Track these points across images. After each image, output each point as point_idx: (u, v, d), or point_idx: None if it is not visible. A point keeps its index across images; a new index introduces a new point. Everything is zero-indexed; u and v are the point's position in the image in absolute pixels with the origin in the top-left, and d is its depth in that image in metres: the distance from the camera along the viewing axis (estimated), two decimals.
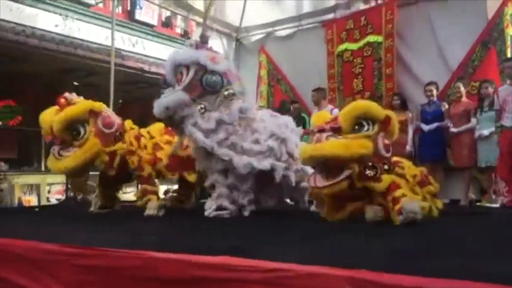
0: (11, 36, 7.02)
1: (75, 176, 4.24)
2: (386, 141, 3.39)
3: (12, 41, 7.06)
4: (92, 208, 4.62)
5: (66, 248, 2.25)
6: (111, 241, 2.39)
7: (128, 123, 4.45)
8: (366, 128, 3.28)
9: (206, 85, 3.87)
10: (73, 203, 7.62)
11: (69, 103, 3.99)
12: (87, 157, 3.91)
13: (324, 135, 3.29)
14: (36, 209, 6.25)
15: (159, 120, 4.14)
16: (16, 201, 9.00)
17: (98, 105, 4.16)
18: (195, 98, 3.85)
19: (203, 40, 4.15)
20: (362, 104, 3.45)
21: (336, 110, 5.32)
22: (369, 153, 3.20)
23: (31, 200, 9.39)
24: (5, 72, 8.30)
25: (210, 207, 3.94)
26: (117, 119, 4.27)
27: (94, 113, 4.04)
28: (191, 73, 3.84)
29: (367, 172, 3.22)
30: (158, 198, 4.39)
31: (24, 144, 9.71)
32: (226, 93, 3.94)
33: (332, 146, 3.20)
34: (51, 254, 2.26)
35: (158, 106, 3.83)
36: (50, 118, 3.95)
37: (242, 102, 4.02)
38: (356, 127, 3.27)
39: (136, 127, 4.50)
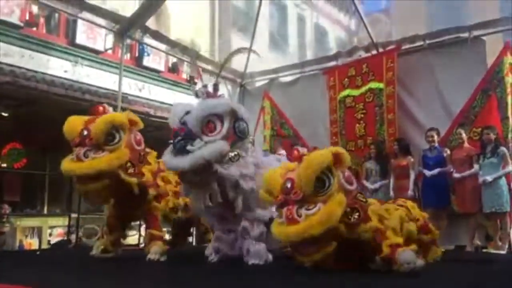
0: (22, 81, 7.21)
1: (91, 181, 3.94)
2: (347, 173, 3.24)
3: (23, 86, 7.24)
4: (94, 252, 4.58)
5: None
6: None
7: (151, 156, 4.47)
8: (327, 183, 3.06)
9: (239, 132, 3.75)
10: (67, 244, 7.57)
11: (105, 112, 4.10)
12: (116, 164, 3.88)
13: (292, 209, 3.02)
14: (37, 253, 6.20)
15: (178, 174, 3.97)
16: (17, 244, 8.94)
17: (136, 118, 4.24)
18: (230, 147, 3.70)
19: (216, 88, 4.14)
20: (316, 161, 3.10)
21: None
22: (345, 205, 3.03)
23: (32, 243, 9.32)
24: (13, 116, 8.45)
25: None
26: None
27: (133, 124, 4.14)
28: (227, 121, 3.67)
29: (352, 219, 3.06)
30: (164, 243, 4.36)
31: (28, 186, 9.73)
32: (251, 139, 4.02)
33: (312, 226, 2.91)
34: None
35: (194, 158, 3.48)
36: (81, 122, 3.99)
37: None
38: (317, 184, 3.03)
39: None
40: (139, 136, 4.28)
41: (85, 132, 3.90)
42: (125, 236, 4.87)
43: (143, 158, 4.22)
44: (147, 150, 4.37)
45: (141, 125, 4.29)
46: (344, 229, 3.04)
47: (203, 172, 3.55)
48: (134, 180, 4.04)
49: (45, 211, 9.90)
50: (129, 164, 4.05)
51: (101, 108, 4.12)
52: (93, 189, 3.98)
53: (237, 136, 3.75)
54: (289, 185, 3.09)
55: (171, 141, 3.69)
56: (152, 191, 4.24)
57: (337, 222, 2.95)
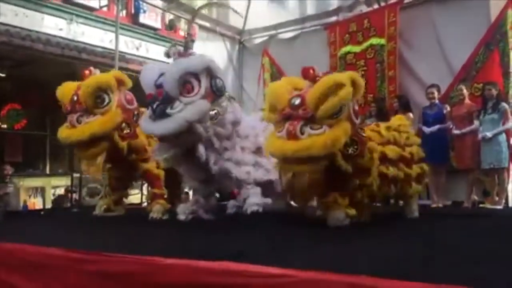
0: (17, 41, 7.08)
1: (89, 146, 3.98)
2: (356, 106, 3.21)
3: (18, 46, 7.12)
4: (97, 211, 4.67)
5: (72, 254, 2.29)
6: (115, 246, 2.42)
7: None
8: (339, 109, 2.99)
9: (217, 90, 3.71)
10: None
11: (92, 75, 4.10)
12: (109, 126, 3.92)
13: (297, 125, 2.94)
14: (42, 213, 6.31)
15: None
16: (21, 204, 9.07)
17: (124, 77, 4.23)
18: (210, 105, 3.67)
19: (186, 46, 3.99)
20: (331, 80, 3.01)
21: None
22: (349, 135, 3.01)
23: (36, 203, 9.46)
24: (10, 76, 8.37)
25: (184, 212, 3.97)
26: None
27: (121, 83, 4.12)
28: (203, 79, 3.62)
29: (349, 151, 3.05)
30: (165, 201, 4.43)
31: (29, 147, 9.77)
32: (227, 95, 3.91)
33: (314, 145, 2.86)
34: (58, 259, 2.29)
35: (176, 121, 3.45)
36: (72, 88, 4.00)
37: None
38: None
39: None
40: (130, 95, 4.25)
41: (75, 98, 3.89)
42: (127, 195, 4.95)
43: (137, 117, 4.20)
44: (141, 109, 4.33)
45: (129, 83, 4.24)
46: (339, 159, 3.02)
47: (184, 133, 3.50)
48: (123, 145, 4.08)
49: (48, 171, 10.00)
50: (124, 124, 4.06)
51: (87, 72, 4.08)
52: (91, 154, 4.01)
53: (215, 94, 3.70)
54: (297, 102, 3.01)
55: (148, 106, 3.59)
56: (146, 154, 4.28)
57: (338, 148, 2.94)
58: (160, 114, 3.47)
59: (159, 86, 3.56)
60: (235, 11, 5.62)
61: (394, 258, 2.13)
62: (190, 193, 5.56)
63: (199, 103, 3.55)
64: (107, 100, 3.97)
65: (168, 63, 4.02)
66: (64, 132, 3.95)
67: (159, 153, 3.71)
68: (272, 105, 3.20)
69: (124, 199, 4.92)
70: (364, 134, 3.27)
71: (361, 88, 3.15)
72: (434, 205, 5.74)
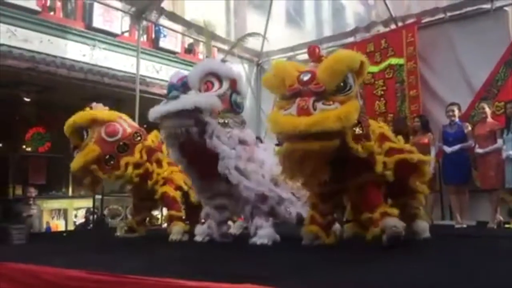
0: (42, 66, 7.30)
1: (82, 177, 4.46)
2: (360, 90, 3.17)
3: (43, 71, 7.34)
4: (118, 233, 4.71)
5: (93, 276, 2.30)
6: (137, 268, 2.44)
7: (152, 136, 4.59)
8: (349, 85, 2.92)
9: (234, 103, 3.74)
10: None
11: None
12: (85, 160, 4.19)
13: (309, 100, 2.82)
14: (64, 234, 6.39)
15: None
16: (44, 226, 9.21)
17: (106, 114, 4.45)
18: (221, 111, 3.66)
19: (224, 60, 4.12)
20: (345, 56, 2.96)
21: None
22: (358, 113, 2.92)
23: (59, 224, 9.60)
24: (35, 101, 8.60)
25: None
26: (126, 129, 4.41)
27: (97, 122, 4.33)
28: (225, 85, 3.68)
29: (356, 130, 2.94)
30: (184, 223, 4.45)
31: (53, 169, 9.96)
32: (242, 118, 3.92)
33: (329, 118, 2.74)
34: (80, 281, 2.31)
35: (183, 103, 3.42)
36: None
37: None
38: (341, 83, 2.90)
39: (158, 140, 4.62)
40: (112, 127, 4.36)
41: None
42: (151, 217, 5.00)
43: (124, 147, 4.34)
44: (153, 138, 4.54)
45: (114, 118, 4.44)
46: (350, 139, 2.91)
47: (189, 117, 3.45)
48: (112, 176, 4.34)
49: (70, 193, 10.15)
50: (107, 157, 4.27)
51: (87, 109, 4.52)
52: (83, 184, 4.57)
53: (231, 106, 3.72)
54: (307, 77, 2.90)
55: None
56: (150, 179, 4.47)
57: (352, 123, 2.84)
58: (173, 97, 3.51)
59: (181, 78, 3.70)
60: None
61: (418, 284, 2.07)
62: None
63: (212, 96, 3.57)
64: (85, 136, 4.32)
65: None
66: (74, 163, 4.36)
67: (164, 124, 3.63)
68: (279, 80, 3.07)
69: (148, 221, 4.98)
70: (367, 118, 3.19)
71: (366, 69, 3.11)
72: (458, 226, 5.62)
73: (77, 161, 4.24)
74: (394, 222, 3.04)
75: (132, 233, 4.65)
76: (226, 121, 3.66)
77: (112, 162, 4.24)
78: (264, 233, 3.65)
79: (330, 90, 2.86)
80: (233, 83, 3.75)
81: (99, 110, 4.48)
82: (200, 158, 3.68)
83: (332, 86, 2.86)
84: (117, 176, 4.32)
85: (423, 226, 3.72)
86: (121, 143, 4.32)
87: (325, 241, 3.42)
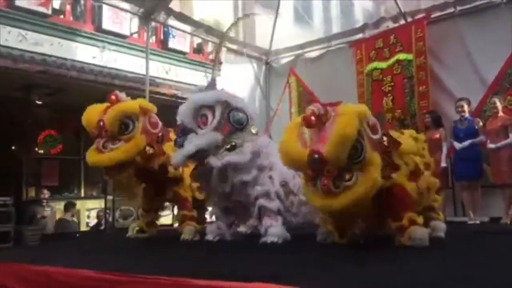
0: (53, 69, 7.40)
1: (115, 171, 4.12)
2: (371, 122, 3.01)
3: (54, 74, 7.43)
4: (129, 233, 4.74)
5: (105, 275, 2.33)
6: (149, 268, 2.46)
7: (172, 134, 4.58)
8: (360, 148, 2.83)
9: (234, 122, 3.76)
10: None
11: (118, 100, 4.13)
12: (134, 152, 4.01)
13: (329, 183, 2.79)
14: (77, 235, 6.46)
15: None
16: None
17: (149, 105, 4.34)
18: (225, 137, 3.71)
19: (213, 83, 4.09)
20: (347, 135, 2.76)
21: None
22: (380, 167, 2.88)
23: None
24: (47, 104, 8.71)
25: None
26: (160, 123, 4.41)
27: (144, 111, 4.20)
28: (218, 112, 3.71)
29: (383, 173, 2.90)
30: (195, 222, 4.48)
31: (65, 171, 10.07)
32: (253, 130, 3.90)
33: (354, 197, 2.76)
34: (92, 281, 2.34)
35: (185, 150, 3.63)
36: (98, 112, 4.05)
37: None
38: (351, 152, 2.78)
39: None
40: (154, 119, 4.33)
41: (101, 123, 3.98)
42: (158, 217, 5.02)
43: (162, 138, 4.31)
44: (168, 129, 4.45)
45: (154, 109, 4.35)
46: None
47: (200, 162, 3.71)
48: (155, 165, 4.20)
49: (82, 194, 10.26)
50: (147, 147, 4.14)
51: (113, 97, 4.13)
52: (119, 179, 4.23)
53: (233, 126, 3.74)
54: (316, 159, 2.79)
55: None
56: (171, 171, 4.36)
57: (378, 186, 2.82)
58: (179, 146, 3.71)
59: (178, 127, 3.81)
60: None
61: (433, 281, 2.05)
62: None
63: (208, 134, 3.66)
64: (131, 127, 4.05)
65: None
66: (92, 157, 4.04)
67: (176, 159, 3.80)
68: (291, 168, 3.23)
69: (156, 221, 4.99)
70: (385, 141, 3.11)
71: (368, 111, 3.00)
72: (471, 222, 5.56)
73: (126, 150, 3.96)
74: (420, 234, 3.05)
75: (143, 233, 4.68)
76: (233, 144, 3.70)
77: (153, 151, 4.17)
78: (274, 231, 3.66)
79: (343, 168, 2.82)
80: (226, 104, 3.77)
81: (140, 99, 4.32)
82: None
83: (343, 165, 2.82)
84: (158, 163, 4.25)
85: (440, 226, 3.71)
86: (160, 134, 4.31)
87: (338, 241, 3.40)
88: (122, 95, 4.28)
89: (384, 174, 2.95)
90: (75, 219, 8.95)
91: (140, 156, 4.08)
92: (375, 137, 3.01)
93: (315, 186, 2.91)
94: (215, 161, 3.64)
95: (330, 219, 3.43)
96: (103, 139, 3.98)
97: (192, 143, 3.61)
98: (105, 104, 4.13)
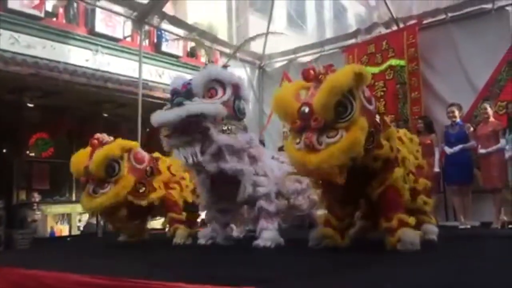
0: (45, 72, 7.34)
1: (109, 214, 4.35)
2: (367, 93, 3.03)
3: (46, 77, 7.37)
4: (121, 237, 4.73)
5: (97, 280, 2.31)
6: (141, 272, 2.44)
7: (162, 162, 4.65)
8: (349, 108, 2.82)
9: (238, 110, 3.72)
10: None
11: (101, 143, 4.23)
12: (123, 193, 4.11)
13: (312, 137, 2.80)
14: (68, 239, 6.40)
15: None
16: (48, 231, 9.24)
17: (132, 143, 4.44)
18: (224, 118, 3.65)
19: (224, 67, 4.07)
20: (337, 84, 2.79)
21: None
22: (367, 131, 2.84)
23: (63, 229, 9.62)
24: (38, 106, 8.64)
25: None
26: (146, 154, 4.50)
27: (127, 150, 4.28)
28: (229, 91, 3.66)
29: (367, 145, 2.87)
30: (185, 225, 4.47)
31: (56, 174, 9.99)
32: (244, 124, 3.90)
33: (333, 155, 2.73)
34: (84, 285, 2.32)
35: (188, 109, 3.40)
36: (83, 159, 4.19)
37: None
38: (339, 109, 2.80)
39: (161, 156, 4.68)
40: (139, 154, 4.42)
41: (87, 169, 4.09)
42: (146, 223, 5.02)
43: (151, 171, 4.42)
44: (156, 156, 4.58)
45: (136, 146, 4.46)
46: (361, 159, 2.88)
47: (194, 126, 3.47)
48: (144, 202, 4.30)
49: (74, 198, 10.18)
50: (138, 185, 4.25)
51: (95, 141, 4.25)
52: (114, 220, 4.43)
53: (235, 112, 3.70)
54: (306, 110, 2.85)
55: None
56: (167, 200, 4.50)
57: (360, 151, 2.80)
58: (177, 104, 3.46)
59: (184, 84, 3.61)
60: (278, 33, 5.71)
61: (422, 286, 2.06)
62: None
63: (218, 103, 3.55)
64: (117, 169, 4.15)
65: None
66: (85, 203, 4.20)
67: (171, 142, 3.65)
68: (282, 113, 3.09)
69: (145, 226, 4.99)
70: (379, 119, 3.13)
71: (367, 76, 2.96)
72: (462, 227, 5.60)
73: (115, 193, 4.06)
74: (411, 238, 3.05)
75: (133, 237, 4.67)
76: (229, 128, 3.64)
77: (144, 188, 4.30)
78: (267, 235, 3.65)
79: (330, 121, 2.80)
80: (236, 89, 3.73)
81: (120, 140, 4.36)
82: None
83: (330, 117, 2.80)
84: (153, 199, 4.35)
85: (432, 229, 3.72)
86: (147, 168, 4.40)
87: (339, 243, 3.39)
88: (104, 136, 4.34)
89: (381, 177, 3.01)
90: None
91: (132, 195, 4.19)
92: (368, 106, 3.00)
93: (298, 144, 2.91)
94: (213, 129, 3.54)
95: (333, 218, 3.40)
96: (92, 185, 4.12)
97: (198, 105, 3.45)
98: (89, 149, 4.25)
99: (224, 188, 3.84)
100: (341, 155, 2.74)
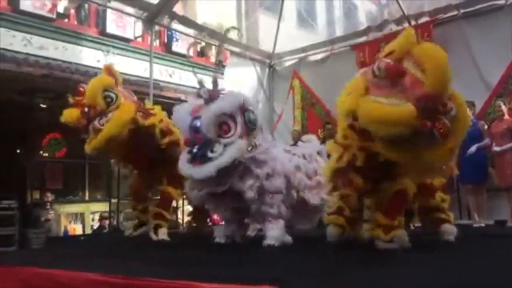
0: (57, 73, 7.42)
1: (117, 139, 4.06)
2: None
3: (58, 78, 7.45)
4: (128, 232, 4.74)
5: (111, 279, 2.32)
6: (152, 271, 2.45)
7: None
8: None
9: (250, 123, 3.71)
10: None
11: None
12: (129, 115, 4.03)
13: None
14: (82, 238, 6.46)
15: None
16: (62, 230, 9.35)
17: (116, 72, 4.42)
18: (247, 140, 3.68)
19: (215, 84, 4.02)
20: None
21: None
22: None
23: (76, 228, 9.73)
24: (51, 107, 8.73)
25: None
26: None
27: (117, 81, 4.27)
28: (238, 118, 3.64)
29: None
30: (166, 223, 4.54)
31: (69, 174, 10.10)
32: (260, 128, 3.91)
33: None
34: (98, 284, 2.33)
35: (215, 166, 3.43)
36: (75, 110, 4.09)
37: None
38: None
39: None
40: (128, 88, 4.50)
41: (86, 109, 4.00)
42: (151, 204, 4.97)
43: (144, 108, 4.35)
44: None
45: (119, 78, 4.39)
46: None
47: (224, 174, 3.53)
48: (150, 122, 4.19)
49: (87, 197, 10.28)
50: (138, 113, 4.17)
51: (82, 89, 4.16)
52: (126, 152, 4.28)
53: (249, 127, 3.70)
54: None
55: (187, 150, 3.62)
56: (168, 138, 4.33)
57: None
58: (201, 159, 3.50)
59: (196, 130, 3.58)
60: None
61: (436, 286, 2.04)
62: None
63: (238, 143, 3.56)
64: (114, 97, 4.06)
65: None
66: (93, 142, 4.00)
67: (192, 188, 3.75)
68: None
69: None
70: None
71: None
72: (476, 225, 5.53)
73: (120, 117, 3.93)
74: (402, 242, 3.12)
75: (141, 228, 4.66)
76: (252, 145, 3.67)
77: (143, 117, 4.21)
78: (272, 234, 3.66)
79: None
80: (242, 108, 3.71)
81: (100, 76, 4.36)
82: None
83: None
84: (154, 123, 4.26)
85: (450, 230, 3.70)
86: (141, 104, 4.41)
87: (348, 233, 3.44)
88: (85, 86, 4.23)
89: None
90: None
91: (133, 122, 4.07)
92: None
93: None
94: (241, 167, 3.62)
95: (347, 208, 3.41)
96: (97, 119, 3.98)
97: (227, 154, 3.48)
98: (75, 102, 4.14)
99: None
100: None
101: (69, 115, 4.13)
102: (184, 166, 3.64)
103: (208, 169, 3.45)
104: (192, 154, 3.56)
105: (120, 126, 3.94)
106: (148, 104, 4.68)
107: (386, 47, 3.11)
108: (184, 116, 3.76)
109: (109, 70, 4.34)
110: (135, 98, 4.39)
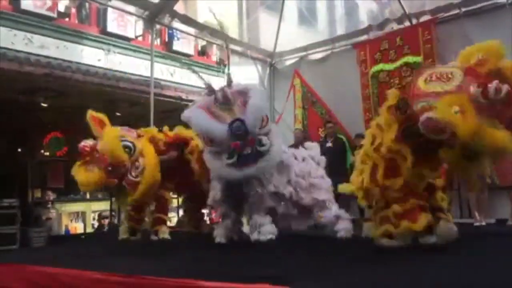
0: (58, 72, 7.41)
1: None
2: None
3: (60, 77, 7.45)
4: (121, 236, 4.73)
5: (112, 277, 2.33)
6: (154, 270, 2.46)
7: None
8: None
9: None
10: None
11: (91, 148, 4.20)
12: (157, 162, 4.31)
13: None
14: (83, 237, 6.47)
15: None
16: (63, 229, 9.35)
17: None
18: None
19: (229, 82, 4.04)
20: None
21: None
22: None
23: (78, 227, 9.74)
24: (52, 106, 8.74)
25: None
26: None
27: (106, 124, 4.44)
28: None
29: None
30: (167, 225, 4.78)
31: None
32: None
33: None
34: (99, 283, 2.34)
35: (273, 160, 3.75)
36: (93, 174, 4.11)
37: None
38: None
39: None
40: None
41: (109, 168, 4.05)
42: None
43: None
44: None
45: (105, 119, 4.48)
46: None
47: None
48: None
49: (88, 196, 10.28)
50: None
51: (87, 149, 4.20)
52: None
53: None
54: None
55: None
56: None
57: None
58: (255, 156, 3.66)
59: (244, 133, 3.64)
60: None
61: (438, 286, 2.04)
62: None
63: (274, 130, 3.92)
64: (131, 145, 4.21)
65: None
66: (135, 195, 4.17)
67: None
68: None
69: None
70: None
71: None
72: (477, 224, 5.52)
73: (152, 160, 4.20)
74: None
75: (134, 235, 4.69)
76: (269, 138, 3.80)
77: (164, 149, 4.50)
78: (266, 229, 3.78)
79: None
80: None
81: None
82: None
83: None
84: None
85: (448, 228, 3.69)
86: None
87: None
88: (88, 141, 4.28)
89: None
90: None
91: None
92: None
93: None
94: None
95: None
96: (128, 174, 4.11)
97: (276, 154, 3.81)
98: (84, 161, 4.18)
99: (237, 187, 3.88)
100: None
101: (88, 179, 4.12)
102: (229, 169, 3.68)
103: (266, 163, 3.71)
104: (243, 157, 3.64)
105: (156, 173, 4.17)
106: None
107: (467, 54, 3.13)
108: (220, 126, 3.70)
109: (94, 117, 4.33)
110: (135, 134, 4.47)
